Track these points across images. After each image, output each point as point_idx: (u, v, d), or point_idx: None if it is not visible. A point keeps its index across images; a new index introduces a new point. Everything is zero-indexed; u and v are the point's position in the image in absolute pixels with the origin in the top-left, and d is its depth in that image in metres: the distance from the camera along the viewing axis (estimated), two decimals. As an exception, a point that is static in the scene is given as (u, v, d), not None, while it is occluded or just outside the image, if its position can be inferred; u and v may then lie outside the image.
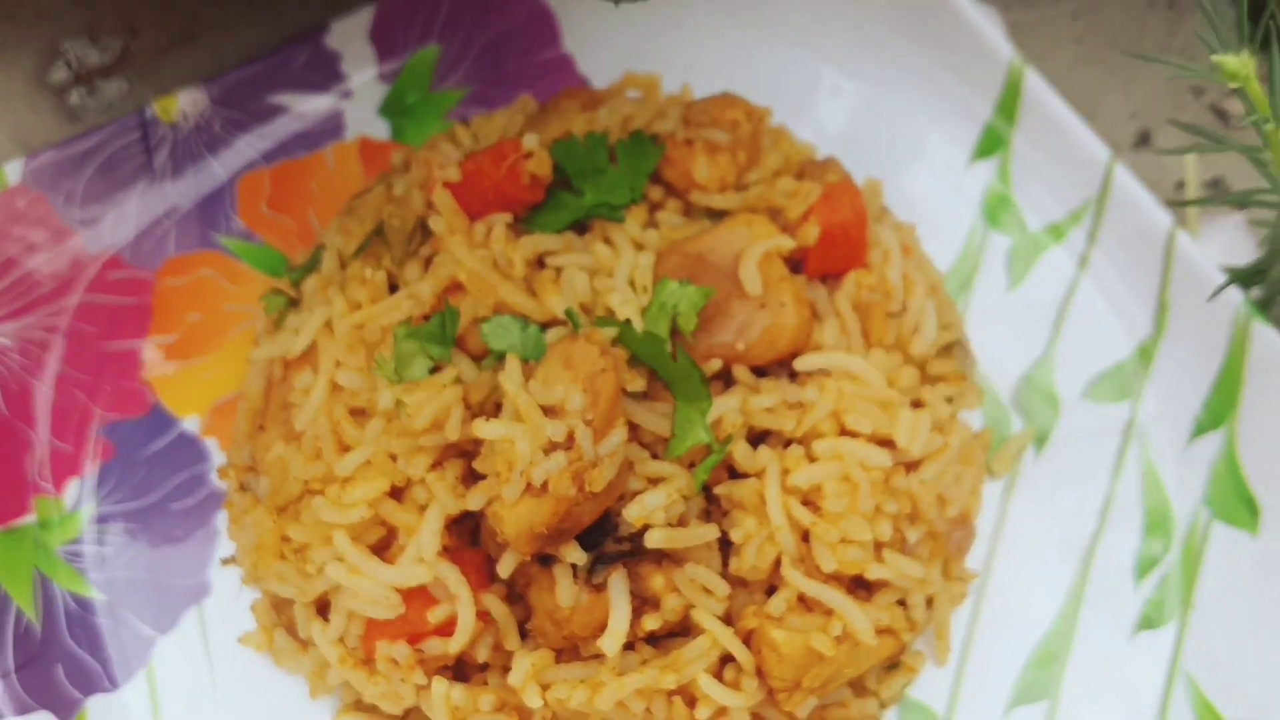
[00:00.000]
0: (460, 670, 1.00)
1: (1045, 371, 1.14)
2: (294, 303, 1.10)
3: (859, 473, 0.97)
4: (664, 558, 0.97)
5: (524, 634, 0.99)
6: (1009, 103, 1.17)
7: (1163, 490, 1.10)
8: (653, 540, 0.94)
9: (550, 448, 0.90)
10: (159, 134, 1.17)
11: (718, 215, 1.05)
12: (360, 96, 1.22)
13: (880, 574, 0.98)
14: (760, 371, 1.01)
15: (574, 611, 0.95)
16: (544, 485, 0.90)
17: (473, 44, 1.24)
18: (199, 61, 1.28)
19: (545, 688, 0.96)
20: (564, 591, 0.94)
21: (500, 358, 0.97)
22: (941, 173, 1.19)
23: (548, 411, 0.91)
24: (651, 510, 0.94)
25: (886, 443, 1.00)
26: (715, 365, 0.99)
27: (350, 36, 1.20)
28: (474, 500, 0.95)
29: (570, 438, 0.90)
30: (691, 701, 0.97)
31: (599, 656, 0.96)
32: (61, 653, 1.05)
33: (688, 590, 0.96)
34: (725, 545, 0.99)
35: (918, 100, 1.21)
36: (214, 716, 1.06)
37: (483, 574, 0.98)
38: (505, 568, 0.95)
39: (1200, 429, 1.10)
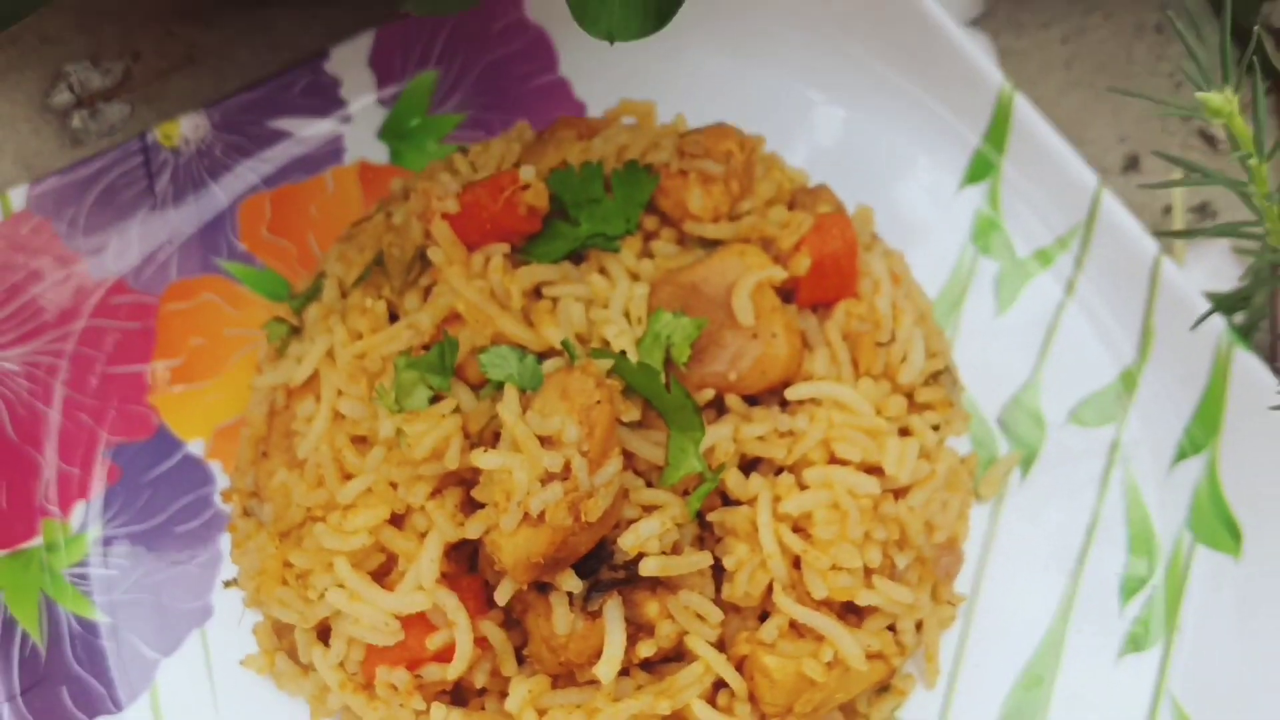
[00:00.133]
0: (458, 695, 1.01)
1: (1031, 396, 1.15)
2: (296, 330, 1.11)
3: (848, 500, 0.98)
4: (658, 584, 0.98)
5: (521, 660, 1.00)
6: (998, 129, 1.18)
7: (1146, 514, 1.11)
8: (647, 568, 0.95)
9: (547, 478, 0.91)
10: (161, 159, 1.18)
11: (711, 244, 1.06)
12: (359, 121, 1.23)
13: (870, 600, 0.99)
14: (752, 400, 1.02)
15: (570, 638, 0.95)
16: (541, 515, 0.91)
17: (470, 69, 1.25)
18: (200, 85, 1.29)
19: (542, 713, 0.97)
20: (560, 619, 0.95)
21: (498, 387, 0.98)
22: (931, 198, 1.21)
23: (545, 442, 0.92)
24: (646, 539, 0.95)
25: (875, 470, 1.01)
26: (708, 395, 1.00)
27: (350, 62, 1.22)
28: (472, 529, 0.96)
29: (567, 468, 0.91)
30: None
31: (595, 682, 0.97)
32: (67, 675, 1.06)
33: (681, 617, 0.97)
34: (718, 572, 0.99)
35: (909, 126, 1.22)
36: None
37: (480, 600, 0.99)
38: (503, 595, 0.96)
39: (1183, 454, 1.11)
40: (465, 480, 0.99)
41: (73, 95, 1.30)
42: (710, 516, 1.00)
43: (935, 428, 1.06)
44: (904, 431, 1.05)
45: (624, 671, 0.98)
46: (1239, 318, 1.13)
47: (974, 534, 1.12)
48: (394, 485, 0.99)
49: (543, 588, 0.96)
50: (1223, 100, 0.89)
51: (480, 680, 0.99)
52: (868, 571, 1.00)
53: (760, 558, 0.97)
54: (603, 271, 1.03)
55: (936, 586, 1.07)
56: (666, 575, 0.97)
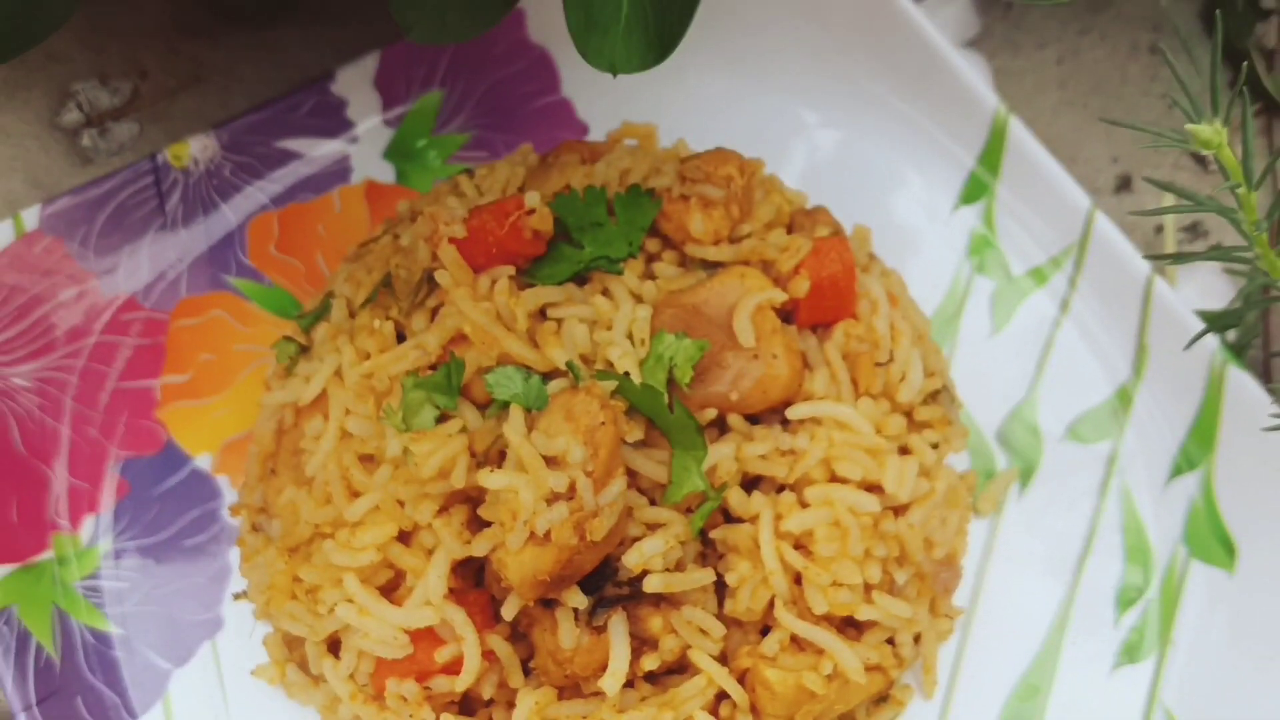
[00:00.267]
0: (466, 706, 1.01)
1: (1029, 412, 1.16)
2: (304, 349, 1.12)
3: (849, 518, 0.99)
4: (662, 600, 0.98)
5: (527, 672, 1.00)
6: (993, 151, 1.19)
7: (1142, 529, 1.12)
8: (651, 585, 0.96)
9: (552, 498, 0.92)
10: (171, 179, 1.19)
11: (712, 267, 1.07)
12: (365, 141, 1.24)
13: (870, 615, 1.00)
14: (754, 420, 1.03)
15: (575, 652, 0.96)
16: (547, 534, 0.92)
17: (474, 90, 1.26)
18: (207, 104, 1.31)
19: None
20: (566, 633, 0.96)
21: (504, 407, 0.98)
22: (927, 217, 1.22)
23: (550, 462, 0.93)
24: (650, 556, 0.96)
25: (875, 488, 1.02)
26: (710, 414, 1.01)
27: (356, 83, 1.23)
28: (479, 547, 0.97)
29: (572, 488, 0.92)
30: None
31: (600, 694, 0.98)
32: (81, 686, 1.07)
33: (685, 631, 0.98)
34: (721, 588, 1.00)
35: (905, 147, 1.23)
36: None
37: (487, 615, 0.99)
38: (509, 610, 0.97)
39: (1178, 470, 1.12)
40: (471, 498, 1.00)
41: (81, 114, 1.31)
42: (713, 534, 1.00)
43: (934, 445, 1.07)
44: (903, 450, 1.05)
45: (628, 684, 0.98)
46: (1232, 336, 1.14)
47: (972, 548, 1.13)
48: (401, 503, 0.99)
49: (549, 603, 0.97)
50: (1212, 132, 0.90)
51: (488, 692, 1.00)
52: (867, 587, 1.01)
53: (762, 574, 0.98)
54: (606, 293, 1.04)
55: (935, 601, 1.07)
56: (670, 591, 0.98)
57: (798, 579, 0.99)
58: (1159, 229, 1.26)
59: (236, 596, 1.11)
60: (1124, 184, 1.28)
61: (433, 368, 1.02)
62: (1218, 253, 1.02)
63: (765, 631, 1.01)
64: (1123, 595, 1.11)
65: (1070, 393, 1.16)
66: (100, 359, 1.16)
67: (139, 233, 1.19)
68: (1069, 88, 1.31)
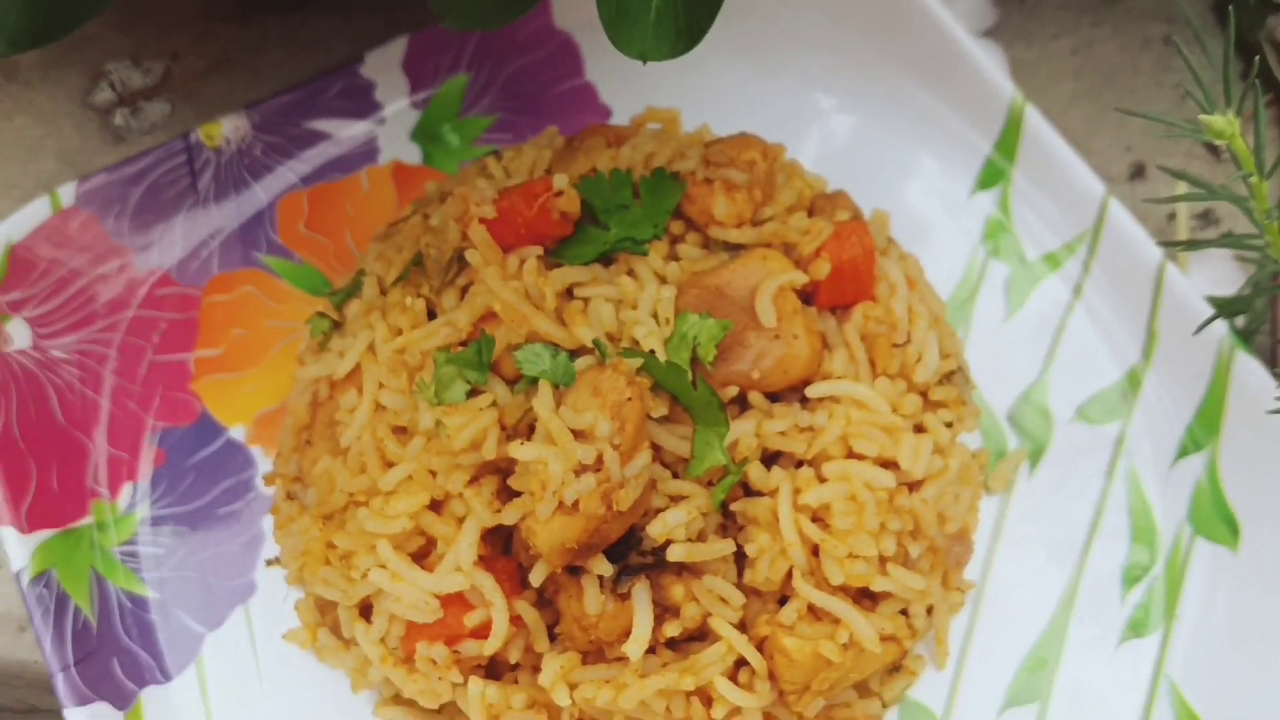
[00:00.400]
0: (493, 670, 1.04)
1: (1040, 393, 1.17)
2: (337, 325, 1.14)
3: (865, 493, 1.01)
4: (684, 570, 1.01)
5: (553, 637, 1.03)
6: (1010, 139, 1.21)
7: (1148, 507, 1.13)
8: (674, 554, 0.99)
9: (580, 469, 0.94)
10: (203, 158, 1.21)
11: (735, 249, 1.09)
12: (393, 123, 1.26)
13: (884, 586, 1.02)
14: (774, 398, 1.04)
15: (600, 618, 0.99)
16: (575, 504, 0.94)
17: (500, 74, 1.28)
18: (237, 85, 1.32)
19: (573, 687, 1.00)
20: (591, 600, 0.98)
21: (533, 383, 1.00)
22: (944, 203, 1.24)
23: (578, 435, 0.95)
24: (673, 527, 0.98)
25: (891, 465, 1.03)
26: (732, 392, 1.02)
27: (384, 66, 1.25)
28: (509, 515, 0.99)
29: (599, 460, 0.94)
30: (708, 702, 1.01)
31: (623, 659, 1.00)
32: (117, 647, 1.09)
33: (706, 600, 1.00)
34: (740, 558, 1.02)
35: (923, 134, 1.25)
36: (260, 707, 1.10)
37: (515, 582, 1.01)
38: (537, 577, 0.99)
39: (1184, 451, 1.14)
40: (501, 469, 1.02)
41: (114, 93, 1.33)
42: (734, 506, 1.02)
43: (948, 424, 1.09)
44: (919, 428, 1.07)
45: (651, 649, 1.00)
46: (1240, 322, 1.15)
47: (983, 524, 1.14)
48: (433, 473, 1.01)
49: (574, 570, 0.99)
50: (1225, 123, 0.92)
51: (514, 656, 1.02)
52: (882, 559, 1.02)
53: (781, 546, 1.00)
54: (631, 274, 1.06)
55: (947, 574, 1.09)
56: (692, 561, 1.00)
57: (815, 551, 1.01)
58: (1171, 217, 1.27)
59: (269, 563, 1.13)
60: (1137, 172, 1.29)
61: (463, 344, 1.04)
62: (1229, 240, 1.04)
63: (783, 601, 1.03)
64: (1129, 573, 1.12)
65: (1081, 375, 1.17)
66: (137, 333, 1.18)
67: (172, 210, 1.21)
68: (1083, 78, 1.33)
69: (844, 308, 1.09)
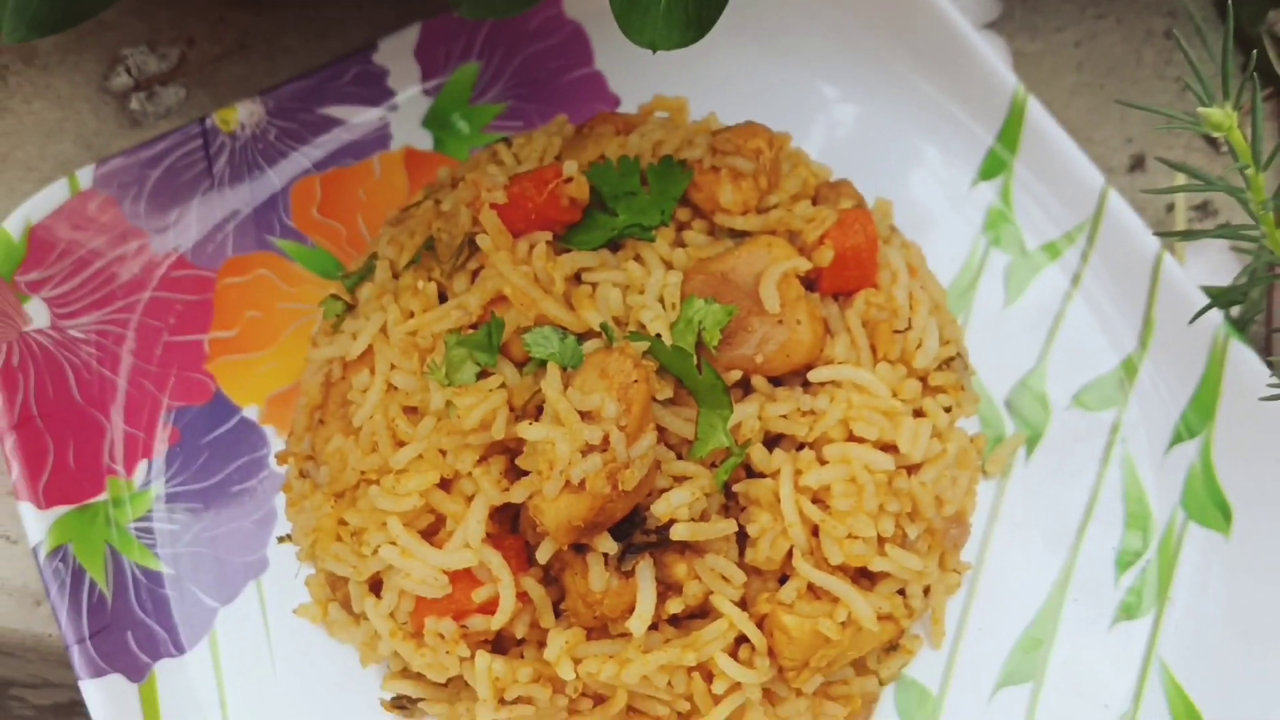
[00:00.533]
0: (500, 645, 1.05)
1: (1038, 380, 1.18)
2: (350, 307, 1.15)
3: (864, 475, 1.02)
4: (687, 548, 1.02)
5: (559, 613, 1.04)
6: (1012, 130, 1.22)
7: (1143, 492, 1.14)
8: (677, 533, 1.00)
9: (587, 450, 0.95)
10: (219, 142, 1.22)
11: (740, 236, 1.10)
12: (405, 110, 1.27)
13: (882, 566, 1.03)
14: (776, 382, 1.06)
15: (605, 595, 1.00)
16: (581, 483, 0.95)
17: (510, 62, 1.29)
18: (252, 71, 1.34)
19: (577, 662, 1.02)
20: (596, 577, 1.00)
21: (541, 365, 1.02)
22: (946, 192, 1.25)
23: (584, 417, 0.96)
24: (677, 506, 0.99)
25: (890, 448, 1.05)
26: (735, 376, 1.04)
27: (397, 54, 1.26)
28: (517, 494, 1.00)
29: (605, 441, 0.95)
30: (709, 677, 1.03)
31: (626, 635, 1.02)
32: (132, 621, 1.10)
33: (708, 578, 1.02)
34: (742, 538, 1.04)
35: (927, 124, 1.26)
36: (271, 680, 1.11)
37: (522, 559, 1.03)
38: (543, 554, 1.01)
39: (1179, 437, 1.15)
40: (509, 449, 1.03)
41: (130, 78, 1.34)
42: (736, 487, 1.04)
43: (947, 409, 1.10)
44: (918, 413, 1.08)
45: (653, 626, 1.02)
46: (1236, 312, 1.17)
47: (980, 508, 1.15)
48: (443, 452, 1.02)
49: (580, 548, 1.00)
50: (1223, 115, 0.93)
51: (521, 631, 1.03)
52: (881, 540, 1.04)
53: (781, 526, 1.01)
54: (639, 260, 1.07)
55: (944, 555, 1.10)
56: (695, 540, 1.01)
57: (815, 531, 1.02)
58: (1170, 208, 1.28)
59: (281, 539, 1.15)
60: (1137, 164, 1.30)
61: (474, 327, 1.05)
62: (1225, 231, 1.05)
63: (783, 580, 1.04)
64: (1122, 558, 1.13)
65: (1078, 363, 1.18)
66: (153, 314, 1.20)
67: (188, 194, 1.22)
68: (1085, 71, 1.34)
69: (846, 294, 1.10)
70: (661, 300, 1.04)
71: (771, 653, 1.03)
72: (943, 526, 1.09)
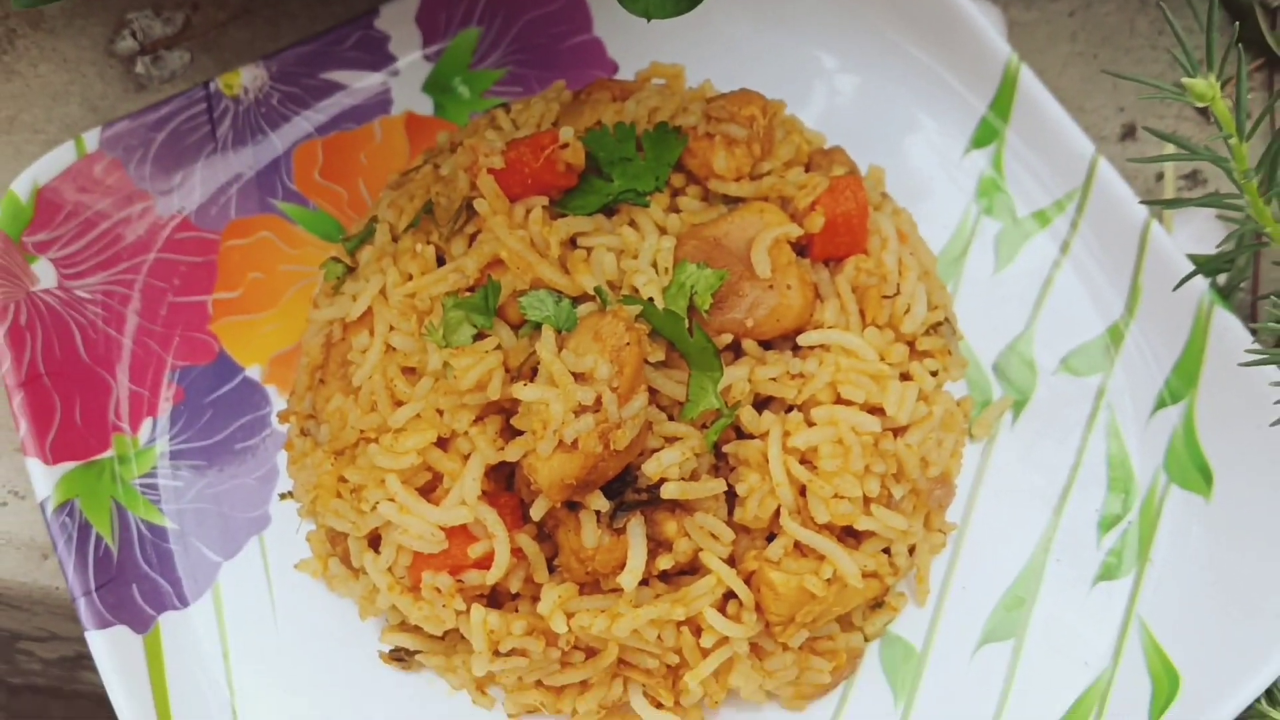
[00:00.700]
0: (495, 599, 1.07)
1: (1026, 345, 1.19)
2: (350, 270, 1.16)
3: (851, 437, 1.03)
4: (677, 507, 1.04)
5: (552, 569, 1.06)
6: (1004, 99, 1.22)
7: (1126, 456, 1.16)
8: (668, 491, 1.01)
9: (580, 410, 0.97)
10: (222, 106, 1.23)
11: (733, 202, 1.11)
12: (406, 75, 1.28)
13: (868, 525, 1.05)
14: (767, 345, 1.07)
15: (597, 551, 1.02)
16: (574, 442, 0.97)
17: (510, 28, 1.30)
18: (256, 35, 1.34)
19: (570, 616, 1.03)
20: (588, 534, 1.01)
21: (536, 327, 1.03)
22: (939, 160, 1.25)
23: (578, 378, 0.98)
24: (667, 466, 1.01)
25: (877, 411, 1.06)
26: (726, 339, 1.05)
27: (398, 19, 1.26)
28: (512, 452, 1.02)
29: (598, 401, 0.97)
30: (697, 631, 1.05)
31: (618, 590, 1.03)
32: (136, 574, 1.12)
33: (697, 535, 1.04)
34: (731, 497, 1.05)
35: (920, 93, 1.27)
36: (273, 632, 1.12)
37: (517, 516, 1.05)
38: (537, 511, 1.02)
39: (1163, 402, 1.16)
40: (505, 409, 1.04)
41: (136, 42, 1.35)
42: (726, 448, 1.05)
43: (934, 373, 1.10)
44: (905, 376, 1.09)
45: (644, 582, 1.03)
46: (1222, 279, 1.18)
47: (967, 470, 1.16)
48: (440, 412, 1.04)
49: (573, 506, 1.02)
50: (1206, 86, 0.94)
51: (515, 586, 1.05)
52: (866, 500, 1.05)
53: (769, 485, 1.03)
54: (633, 225, 1.08)
55: (929, 515, 1.12)
56: (685, 498, 1.02)
57: (802, 491, 1.04)
58: (1160, 176, 1.29)
59: (283, 496, 1.17)
60: (1129, 132, 1.31)
61: (471, 289, 1.07)
62: (1211, 200, 1.06)
63: (771, 538, 1.05)
64: (1105, 517, 1.14)
65: (1065, 328, 1.19)
66: (158, 275, 1.21)
67: (192, 157, 1.23)
68: (1079, 40, 1.34)
69: (837, 260, 1.11)
70: (655, 265, 1.05)
71: (758, 608, 1.04)
72: (927, 487, 1.10)
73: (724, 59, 1.28)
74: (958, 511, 1.16)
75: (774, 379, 1.05)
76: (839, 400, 1.05)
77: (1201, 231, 1.25)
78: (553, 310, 1.03)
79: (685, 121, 1.12)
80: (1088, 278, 1.21)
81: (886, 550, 1.08)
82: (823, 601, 1.04)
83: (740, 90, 1.15)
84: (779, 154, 1.14)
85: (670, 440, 1.03)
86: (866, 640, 1.12)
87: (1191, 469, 1.14)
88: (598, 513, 1.02)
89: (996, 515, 1.15)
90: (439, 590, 1.04)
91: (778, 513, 1.04)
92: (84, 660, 1.52)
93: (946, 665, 1.12)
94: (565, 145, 1.07)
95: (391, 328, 1.09)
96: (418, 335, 1.07)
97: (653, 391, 1.03)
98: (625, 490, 1.02)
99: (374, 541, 1.09)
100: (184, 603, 1.13)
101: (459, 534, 1.04)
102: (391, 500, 1.04)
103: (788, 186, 1.11)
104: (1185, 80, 0.95)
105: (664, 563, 1.03)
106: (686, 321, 1.03)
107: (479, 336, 1.05)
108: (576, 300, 1.05)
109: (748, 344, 1.06)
